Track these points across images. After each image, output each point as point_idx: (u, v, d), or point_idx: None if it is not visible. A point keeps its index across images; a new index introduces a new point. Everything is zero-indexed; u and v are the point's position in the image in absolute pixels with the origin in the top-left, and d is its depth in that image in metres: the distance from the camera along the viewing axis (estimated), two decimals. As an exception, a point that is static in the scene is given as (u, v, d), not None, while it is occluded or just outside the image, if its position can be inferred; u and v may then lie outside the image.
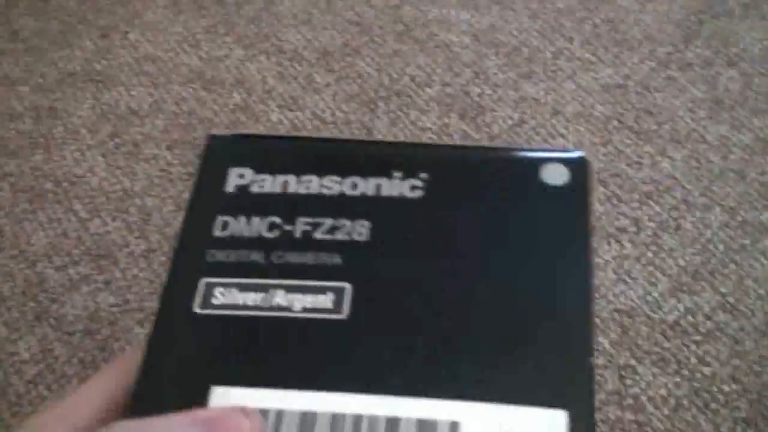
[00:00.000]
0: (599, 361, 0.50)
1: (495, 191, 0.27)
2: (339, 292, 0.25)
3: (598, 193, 0.57)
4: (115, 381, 0.29)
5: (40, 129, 0.62)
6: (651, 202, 0.57)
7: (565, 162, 0.27)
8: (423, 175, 0.27)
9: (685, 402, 0.49)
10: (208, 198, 0.27)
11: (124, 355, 0.36)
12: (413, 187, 0.27)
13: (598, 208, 0.56)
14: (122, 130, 0.61)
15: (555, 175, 0.27)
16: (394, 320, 0.25)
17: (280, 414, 0.24)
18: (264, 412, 0.24)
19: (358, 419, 0.23)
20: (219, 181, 0.28)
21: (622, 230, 0.55)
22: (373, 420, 0.23)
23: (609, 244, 0.55)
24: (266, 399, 0.24)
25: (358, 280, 0.25)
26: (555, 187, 0.27)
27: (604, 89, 0.63)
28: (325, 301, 0.25)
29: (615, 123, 0.61)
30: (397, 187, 0.27)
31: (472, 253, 0.26)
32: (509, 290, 0.25)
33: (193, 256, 0.26)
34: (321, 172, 0.28)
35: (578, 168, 0.27)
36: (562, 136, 0.60)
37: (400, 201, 0.27)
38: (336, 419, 0.23)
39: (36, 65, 0.66)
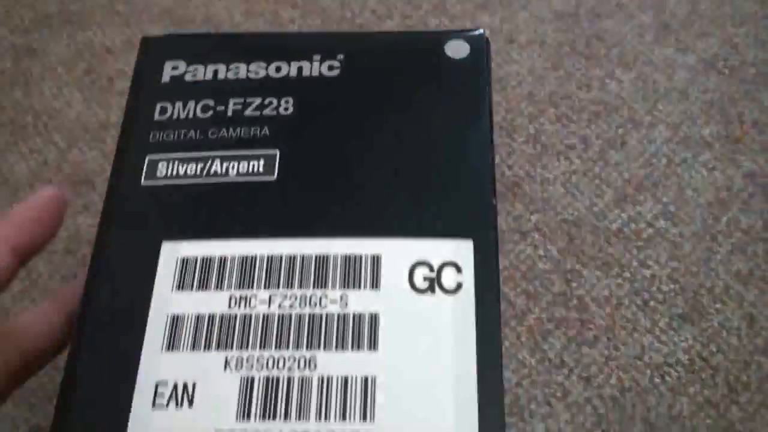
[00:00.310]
0: (547, 266, 0.54)
1: (405, 66, 0.31)
2: (269, 158, 0.29)
3: (548, 114, 0.60)
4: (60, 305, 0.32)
5: (20, 67, 0.64)
6: (599, 121, 0.60)
7: (466, 38, 0.31)
8: (340, 56, 0.31)
9: (625, 301, 0.52)
10: (147, 89, 0.31)
11: (74, 280, 0.39)
12: (331, 67, 0.31)
13: (548, 127, 0.59)
14: (97, 67, 0.64)
15: (457, 50, 0.31)
16: (318, 178, 0.28)
17: (223, 260, 0.27)
18: (209, 259, 0.27)
19: (292, 258, 0.27)
20: (156, 74, 0.31)
21: (571, 147, 0.58)
22: (305, 258, 0.27)
23: (558, 160, 0.58)
24: (210, 248, 0.27)
25: (285, 147, 0.29)
26: (458, 60, 0.30)
27: (557, 17, 0.65)
28: (257, 166, 0.29)
29: (566, 49, 0.64)
30: (317, 68, 0.31)
31: (386, 119, 0.30)
32: (421, 148, 0.29)
33: (138, 139, 0.30)
34: (247, 60, 0.31)
35: (477, 42, 0.30)
36: (516, 62, 0.63)
37: (320, 80, 0.31)
38: (272, 260, 0.27)
39: (14, 8, 0.68)
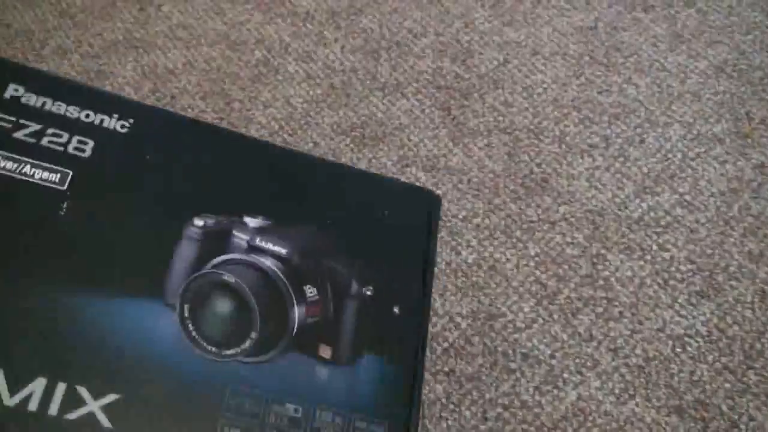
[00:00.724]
0: (575, 251, 0.59)
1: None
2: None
3: (572, 117, 0.66)
4: None
5: (91, 88, 0.72)
6: (618, 122, 0.65)
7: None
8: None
9: (647, 281, 0.58)
10: None
11: None
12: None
13: (572, 129, 0.65)
14: (161, 86, 0.71)
15: None
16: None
17: None
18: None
19: None
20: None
21: (594, 146, 0.64)
22: None
23: (582, 158, 0.64)
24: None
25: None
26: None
27: (578, 31, 0.71)
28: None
29: (587, 58, 0.70)
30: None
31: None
32: None
33: None
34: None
35: None
36: (541, 71, 0.69)
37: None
38: None
39: (83, 36, 0.76)
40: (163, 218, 0.40)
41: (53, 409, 0.34)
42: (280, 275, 0.40)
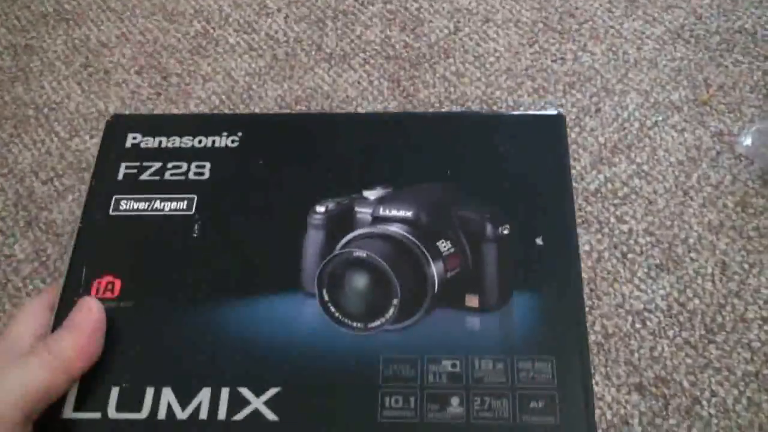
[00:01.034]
0: (530, 226, 0.57)
1: None
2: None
3: (526, 86, 0.63)
4: (45, 302, 0.38)
5: (19, 64, 0.67)
6: (573, 91, 0.63)
7: None
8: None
9: (605, 254, 0.56)
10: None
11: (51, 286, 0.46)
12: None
13: (526, 99, 0.63)
14: (94, 61, 0.67)
15: None
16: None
17: None
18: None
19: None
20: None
21: (549, 116, 0.62)
22: None
23: (537, 128, 0.61)
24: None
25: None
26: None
27: (530, -3, 0.69)
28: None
29: (540, 25, 0.67)
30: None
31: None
32: None
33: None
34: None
35: None
36: (493, 39, 0.67)
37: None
38: None
39: (11, 8, 0.71)
40: (286, 213, 0.42)
41: (221, 414, 0.37)
42: (410, 237, 0.40)
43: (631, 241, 0.56)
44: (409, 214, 0.41)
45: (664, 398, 0.50)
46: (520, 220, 0.42)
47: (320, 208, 0.42)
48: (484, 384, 0.38)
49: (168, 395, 0.38)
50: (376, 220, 0.42)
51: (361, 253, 0.39)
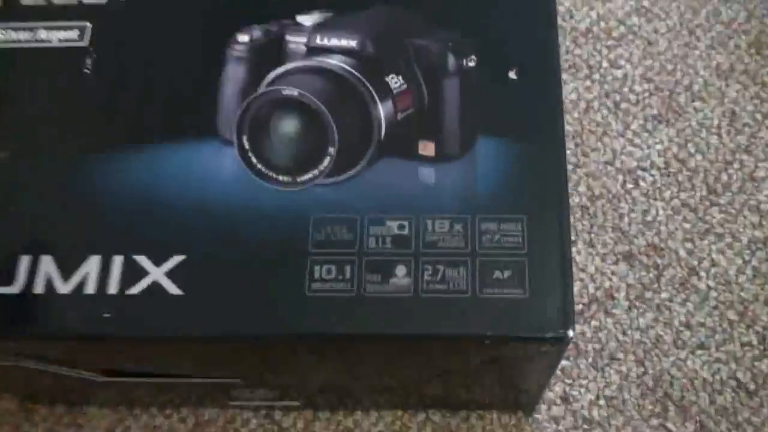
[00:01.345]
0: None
1: None
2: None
3: None
4: None
5: None
6: None
7: None
8: None
9: (595, 104, 0.48)
10: None
11: None
12: None
13: None
14: None
15: None
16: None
17: None
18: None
19: None
20: None
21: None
22: None
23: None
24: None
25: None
26: None
27: None
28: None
29: None
30: None
31: None
32: None
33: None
34: None
35: None
36: None
37: None
38: None
39: None
40: (202, 45, 0.35)
41: (113, 287, 0.31)
42: (352, 71, 0.34)
43: (626, 89, 0.48)
44: (352, 43, 0.34)
45: (657, 268, 0.43)
46: (490, 50, 0.34)
47: (242, 37, 0.35)
48: (437, 249, 0.31)
49: (47, 265, 0.31)
50: (312, 51, 0.35)
51: (291, 92, 0.32)
